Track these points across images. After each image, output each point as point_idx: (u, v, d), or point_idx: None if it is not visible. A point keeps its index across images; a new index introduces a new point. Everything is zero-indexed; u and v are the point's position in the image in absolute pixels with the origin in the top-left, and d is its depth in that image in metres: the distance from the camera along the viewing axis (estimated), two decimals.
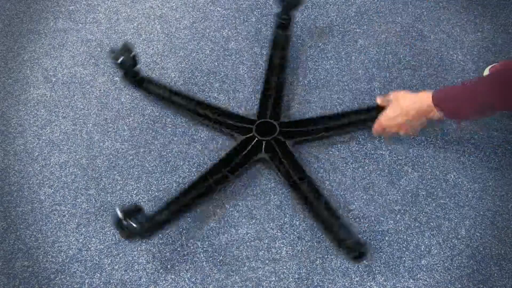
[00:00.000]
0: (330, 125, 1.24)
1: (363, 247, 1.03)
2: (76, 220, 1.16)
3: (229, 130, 1.23)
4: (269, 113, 1.24)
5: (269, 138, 1.19)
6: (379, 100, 1.14)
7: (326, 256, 1.10)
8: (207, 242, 1.12)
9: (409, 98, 1.04)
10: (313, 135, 1.23)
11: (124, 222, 0.96)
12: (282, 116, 1.25)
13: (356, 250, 1.03)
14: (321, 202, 1.10)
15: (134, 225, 0.97)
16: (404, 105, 1.04)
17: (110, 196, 1.20)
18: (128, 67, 1.25)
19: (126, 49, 1.21)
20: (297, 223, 1.15)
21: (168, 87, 1.31)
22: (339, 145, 1.27)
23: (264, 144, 1.19)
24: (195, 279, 1.08)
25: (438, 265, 1.08)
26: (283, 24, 1.35)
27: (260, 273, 1.09)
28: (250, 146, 1.18)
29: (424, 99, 1.01)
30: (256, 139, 1.19)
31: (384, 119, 1.09)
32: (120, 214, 0.96)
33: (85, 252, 1.12)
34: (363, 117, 1.22)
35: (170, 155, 1.26)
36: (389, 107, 1.09)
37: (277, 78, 1.30)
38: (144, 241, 1.13)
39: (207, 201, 1.17)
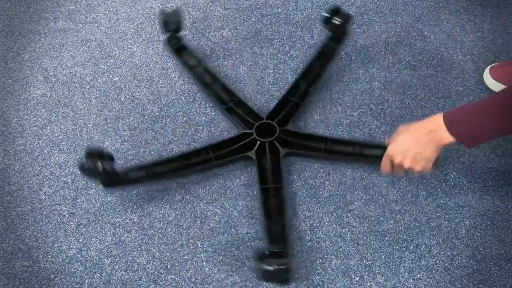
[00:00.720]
0: (330, 148, 1.20)
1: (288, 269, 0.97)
2: (76, 220, 1.16)
3: (237, 120, 1.24)
4: (279, 117, 1.24)
5: (266, 140, 1.19)
6: (387, 140, 1.03)
7: (326, 256, 1.10)
8: (207, 242, 1.12)
9: (417, 124, 0.96)
10: (308, 152, 1.21)
11: (89, 163, 1.00)
12: (289, 124, 1.23)
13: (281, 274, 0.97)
14: (280, 220, 1.09)
15: (99, 168, 1.01)
16: (414, 131, 0.95)
17: (110, 196, 1.20)
18: (172, 31, 1.38)
19: (175, 15, 1.32)
20: (297, 223, 1.15)
21: (203, 63, 1.36)
22: None
23: (258, 144, 1.19)
24: (195, 279, 1.08)
25: (438, 265, 1.08)
26: (338, 36, 1.33)
27: None
28: (245, 141, 1.19)
29: (434, 119, 0.92)
30: (253, 137, 1.19)
31: (393, 150, 0.99)
32: (87, 152, 1.02)
33: (85, 252, 1.12)
34: (368, 152, 1.18)
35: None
36: (398, 136, 0.99)
37: (306, 86, 1.29)
38: (144, 241, 1.13)
39: (181, 176, 1.22)
